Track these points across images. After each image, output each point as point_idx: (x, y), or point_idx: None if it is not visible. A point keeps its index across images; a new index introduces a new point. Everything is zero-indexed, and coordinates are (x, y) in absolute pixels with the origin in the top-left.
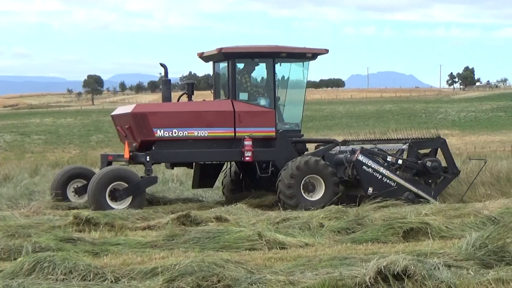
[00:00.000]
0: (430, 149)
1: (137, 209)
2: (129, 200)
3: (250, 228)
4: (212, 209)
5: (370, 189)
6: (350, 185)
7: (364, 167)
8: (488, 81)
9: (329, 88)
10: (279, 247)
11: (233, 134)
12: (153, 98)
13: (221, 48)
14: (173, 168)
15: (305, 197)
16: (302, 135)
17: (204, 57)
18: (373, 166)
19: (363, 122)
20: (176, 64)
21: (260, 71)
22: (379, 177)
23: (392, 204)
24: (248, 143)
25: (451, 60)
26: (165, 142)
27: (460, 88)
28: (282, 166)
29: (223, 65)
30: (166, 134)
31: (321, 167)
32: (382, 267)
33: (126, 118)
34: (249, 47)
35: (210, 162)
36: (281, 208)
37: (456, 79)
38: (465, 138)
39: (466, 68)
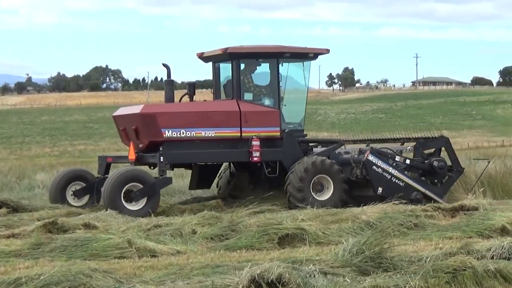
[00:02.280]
0: (434, 149)
1: (153, 211)
2: (144, 201)
3: (119, 236)
4: (81, 216)
5: (380, 189)
6: (357, 186)
7: (374, 167)
8: (368, 82)
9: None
10: (150, 255)
11: (239, 134)
12: (20, 100)
13: (227, 48)
14: (172, 169)
15: (315, 197)
16: (306, 135)
17: (204, 58)
18: (382, 166)
19: None
20: (44, 65)
21: (262, 71)
22: (389, 177)
23: (268, 210)
24: (256, 143)
25: (331, 61)
26: (172, 142)
27: (340, 89)
28: (289, 166)
29: (223, 65)
30: (174, 134)
31: (328, 166)
32: (256, 275)
33: (132, 119)
34: (254, 47)
35: (212, 163)
36: (152, 215)
37: (336, 80)
38: None
39: (346, 69)
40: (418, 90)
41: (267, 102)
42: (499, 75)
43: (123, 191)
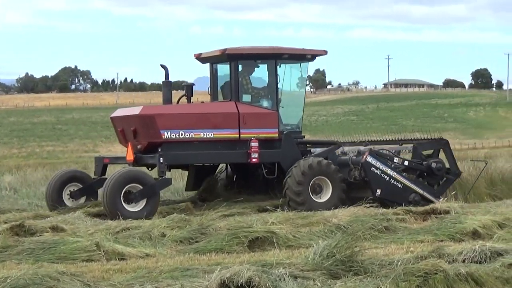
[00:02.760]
0: (433, 150)
1: (153, 213)
2: (143, 202)
3: (87, 238)
4: (48, 219)
5: (379, 191)
6: (355, 187)
7: (373, 168)
8: (339, 84)
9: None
10: (118, 258)
11: (238, 135)
12: None
13: (225, 49)
14: (169, 170)
15: (314, 199)
16: (303, 136)
17: (202, 58)
18: (381, 168)
19: None
20: (12, 65)
21: (260, 73)
22: (387, 179)
23: (237, 213)
24: (255, 144)
25: None
26: (171, 144)
27: (311, 91)
28: (288, 167)
29: (221, 66)
30: (173, 135)
31: (325, 167)
32: (226, 279)
33: (131, 120)
34: (253, 48)
35: (209, 164)
36: (121, 218)
37: (307, 82)
38: None
39: (317, 71)
40: (390, 92)
41: (265, 103)
42: (471, 78)
43: (122, 192)
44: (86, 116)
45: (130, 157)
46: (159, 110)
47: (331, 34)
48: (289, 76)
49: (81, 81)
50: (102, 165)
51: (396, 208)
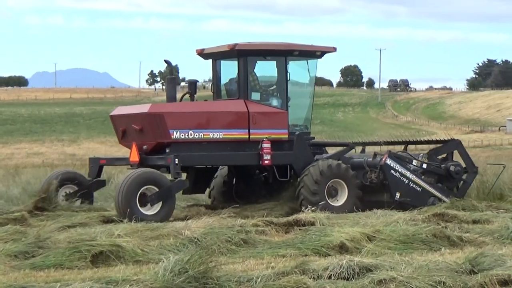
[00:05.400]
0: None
1: (168, 216)
2: (159, 205)
3: None
4: None
5: (398, 194)
6: (370, 190)
7: (392, 171)
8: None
9: (10, 88)
10: None
11: (247, 136)
12: None
13: (235, 45)
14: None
15: (330, 202)
16: (313, 138)
17: (205, 54)
18: (400, 171)
19: (50, 127)
20: None
21: (268, 70)
22: (406, 182)
23: (79, 224)
24: (267, 145)
25: (153, 57)
26: (180, 144)
27: (163, 89)
28: (300, 170)
29: (225, 63)
30: (182, 136)
31: (343, 170)
32: None
33: (137, 118)
34: (264, 44)
35: (210, 166)
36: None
37: (158, 78)
38: None
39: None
40: None
41: (274, 102)
42: (340, 75)
43: (138, 194)
44: None
45: (135, 158)
46: (168, 108)
47: (184, 25)
48: (297, 74)
49: None
50: (98, 166)
51: (256, 219)
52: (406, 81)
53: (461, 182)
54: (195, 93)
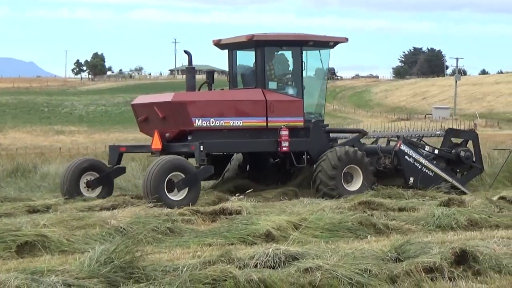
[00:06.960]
0: (462, 140)
1: (194, 202)
2: (185, 191)
3: None
4: None
5: (411, 179)
6: (383, 176)
7: (406, 157)
8: (120, 70)
9: None
10: None
11: (265, 124)
12: None
13: (253, 35)
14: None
15: (345, 187)
16: (327, 125)
17: (221, 45)
18: (414, 156)
19: None
20: None
21: (283, 60)
22: (419, 167)
23: (5, 214)
24: (285, 133)
25: (79, 46)
26: (201, 132)
27: (89, 78)
28: (316, 156)
29: (241, 53)
30: (204, 123)
31: (359, 157)
32: None
33: (160, 107)
34: (280, 35)
35: (224, 154)
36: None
37: (84, 68)
38: (94, 136)
39: (96, 55)
40: (177, 79)
41: (290, 91)
42: None
43: (166, 180)
44: None
45: (158, 145)
46: (190, 97)
47: (110, 14)
48: (311, 64)
49: None
50: (118, 154)
51: (182, 208)
52: (333, 69)
53: (470, 168)
54: (213, 82)
